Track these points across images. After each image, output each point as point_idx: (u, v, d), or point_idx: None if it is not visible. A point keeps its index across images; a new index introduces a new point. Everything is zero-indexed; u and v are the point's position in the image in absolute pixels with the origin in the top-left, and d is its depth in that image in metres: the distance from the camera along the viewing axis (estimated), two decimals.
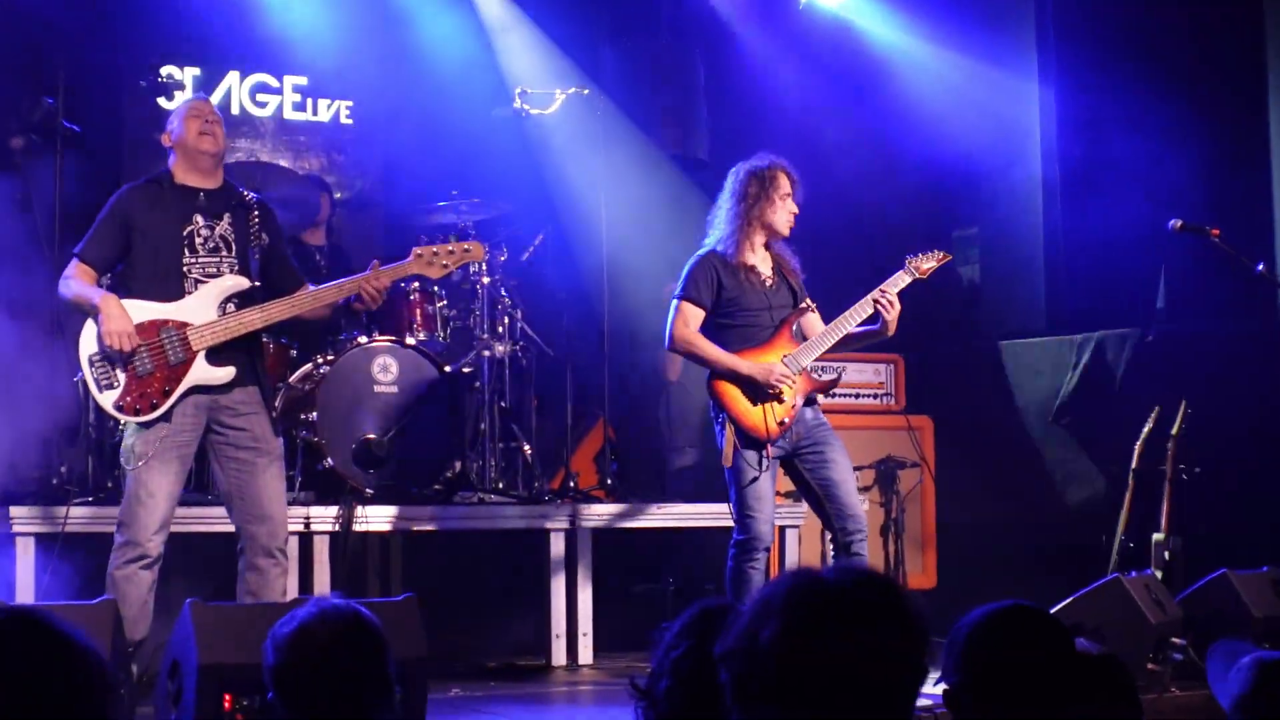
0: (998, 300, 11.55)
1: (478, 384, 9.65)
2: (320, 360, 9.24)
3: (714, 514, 9.17)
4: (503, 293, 9.89)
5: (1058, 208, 11.36)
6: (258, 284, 6.98)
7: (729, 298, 7.55)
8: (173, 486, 6.82)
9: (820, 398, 7.74)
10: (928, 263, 7.72)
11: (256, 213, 7.09)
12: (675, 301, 7.60)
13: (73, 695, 2.57)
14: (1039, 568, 9.86)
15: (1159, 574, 8.46)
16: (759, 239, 7.62)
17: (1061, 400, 10.53)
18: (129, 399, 6.77)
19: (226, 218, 7.02)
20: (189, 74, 11.04)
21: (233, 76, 11.29)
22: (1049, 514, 10.41)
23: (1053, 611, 7.03)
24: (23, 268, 8.51)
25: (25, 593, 7.76)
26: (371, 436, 9.04)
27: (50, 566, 7.72)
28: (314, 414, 8.99)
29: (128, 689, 6.11)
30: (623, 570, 9.79)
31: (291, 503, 8.56)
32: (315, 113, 11.57)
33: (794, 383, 7.46)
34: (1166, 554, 8.96)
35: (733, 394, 7.46)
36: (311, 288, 7.10)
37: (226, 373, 6.88)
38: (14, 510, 7.97)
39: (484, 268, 9.78)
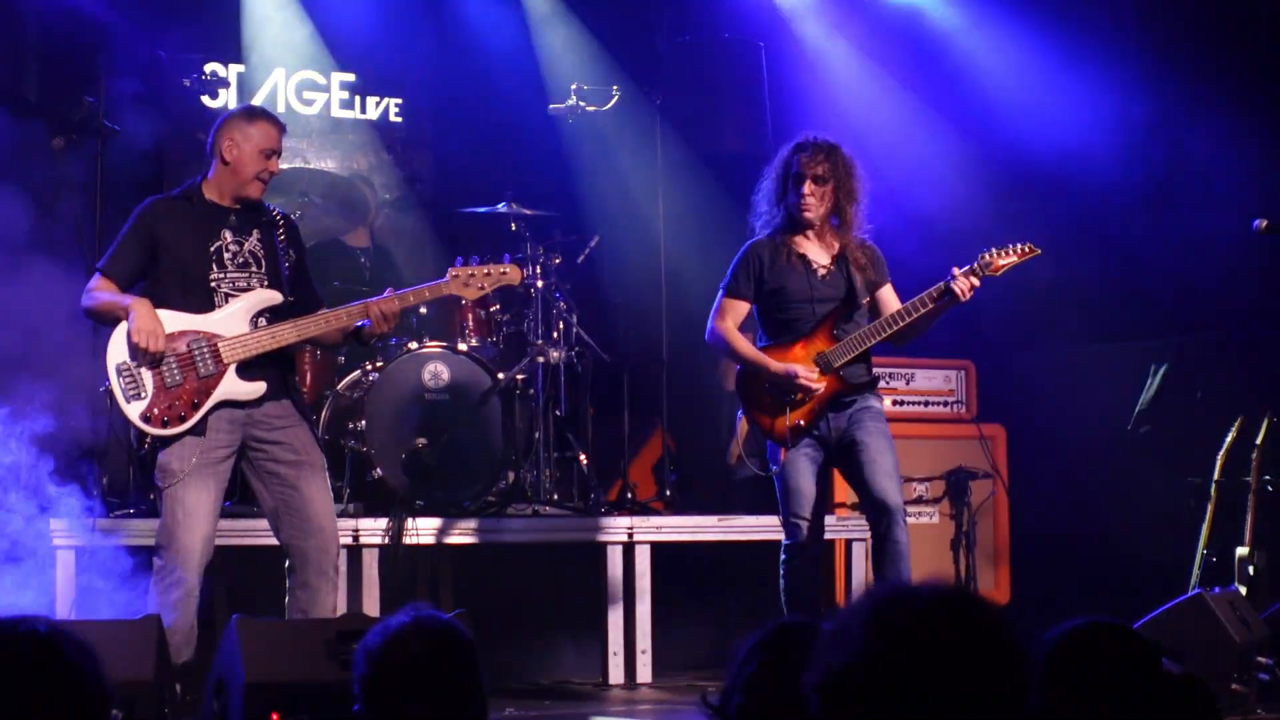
0: (1074, 304, 11.46)
1: (532, 391, 9.62)
2: (369, 367, 9.26)
3: (778, 526, 9.11)
4: (557, 297, 9.85)
5: (1137, 210, 11.29)
6: (291, 299, 6.99)
7: (771, 288, 7.47)
8: (212, 504, 6.78)
9: (886, 401, 7.65)
10: (1005, 258, 7.46)
11: (283, 229, 7.11)
12: (719, 295, 7.58)
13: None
14: (1116, 583, 9.79)
15: (1243, 590, 8.39)
16: (796, 226, 7.49)
17: (1140, 408, 10.45)
18: (156, 410, 6.76)
19: (255, 234, 7.01)
20: (234, 71, 11.06)
21: (278, 74, 11.29)
22: (1127, 527, 10.31)
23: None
24: (65, 269, 8.54)
25: (64, 607, 7.78)
26: (422, 446, 9.03)
27: (90, 580, 7.74)
28: (362, 423, 9.00)
29: (171, 709, 6.10)
30: (682, 585, 9.71)
31: (339, 515, 8.57)
32: (363, 110, 11.57)
33: (818, 385, 7.35)
34: (1251, 569, 8.86)
35: (753, 391, 7.45)
36: (326, 311, 7.10)
37: (257, 387, 6.87)
38: (53, 523, 7.98)
39: (538, 270, 9.77)
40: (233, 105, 10.85)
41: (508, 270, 7.31)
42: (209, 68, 10.42)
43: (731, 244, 9.18)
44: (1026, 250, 7.50)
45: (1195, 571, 9.01)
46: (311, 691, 5.76)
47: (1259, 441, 9.06)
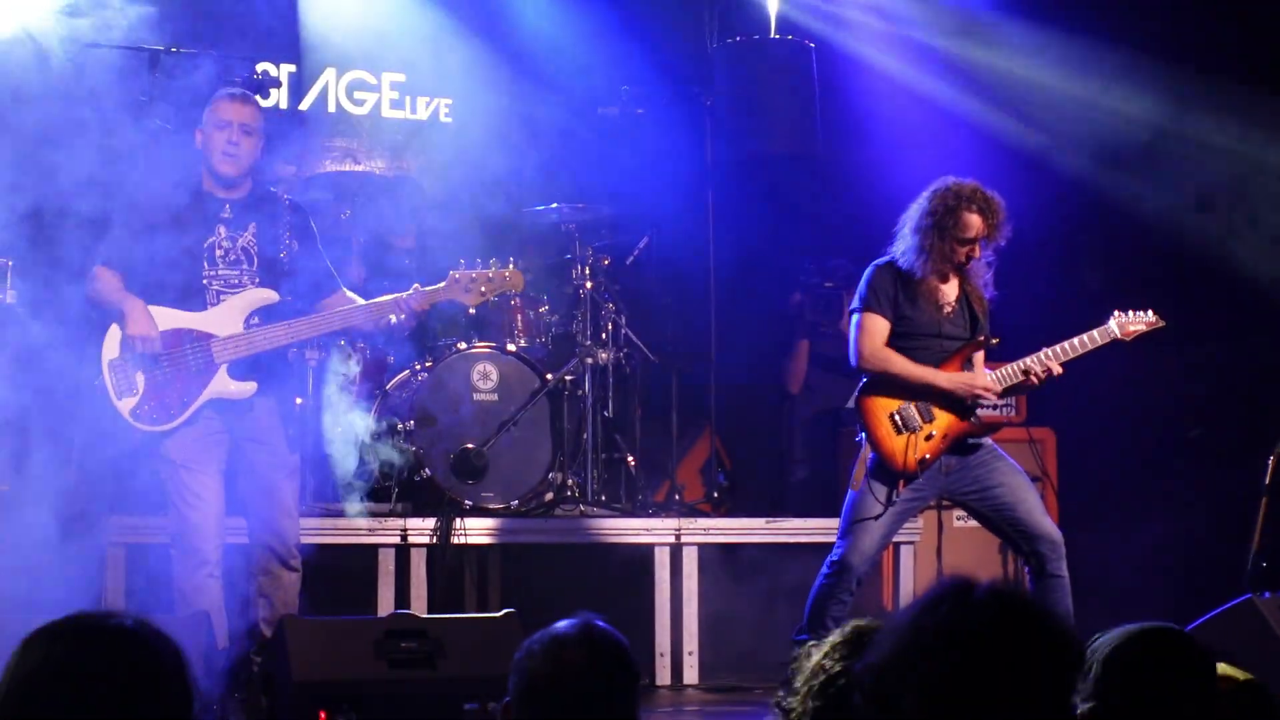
0: (1122, 304, 11.36)
1: (580, 392, 9.62)
2: (418, 367, 9.26)
3: (828, 529, 9.08)
4: (606, 298, 9.86)
5: (1188, 213, 11.19)
6: (288, 299, 7.06)
7: (902, 314, 7.38)
8: (217, 488, 6.95)
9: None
10: (1135, 324, 7.57)
11: (288, 219, 7.16)
12: (856, 315, 7.42)
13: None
14: (1167, 587, 9.73)
15: None
16: (940, 264, 7.38)
17: (1192, 409, 10.38)
18: (147, 407, 6.87)
19: (252, 227, 7.08)
20: (285, 71, 11.07)
21: (329, 73, 11.31)
22: (1177, 530, 10.25)
23: None
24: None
25: (115, 604, 7.79)
26: (471, 446, 9.07)
27: (142, 578, 7.76)
28: (411, 423, 9.00)
29: (218, 705, 6.12)
30: (730, 587, 9.66)
31: (389, 514, 8.64)
32: (413, 110, 11.57)
33: (996, 391, 7.33)
34: None
35: (879, 416, 7.32)
36: (348, 294, 7.14)
37: (248, 387, 6.98)
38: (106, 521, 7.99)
39: (587, 271, 9.77)
40: (284, 105, 10.89)
41: (509, 274, 7.30)
42: (260, 67, 10.40)
43: (782, 244, 9.12)
44: (1154, 320, 7.66)
45: (1248, 575, 8.92)
46: (358, 690, 5.77)
47: None
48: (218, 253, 7.00)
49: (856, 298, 7.46)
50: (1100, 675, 3.32)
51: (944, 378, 7.32)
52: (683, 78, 10.80)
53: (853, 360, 7.41)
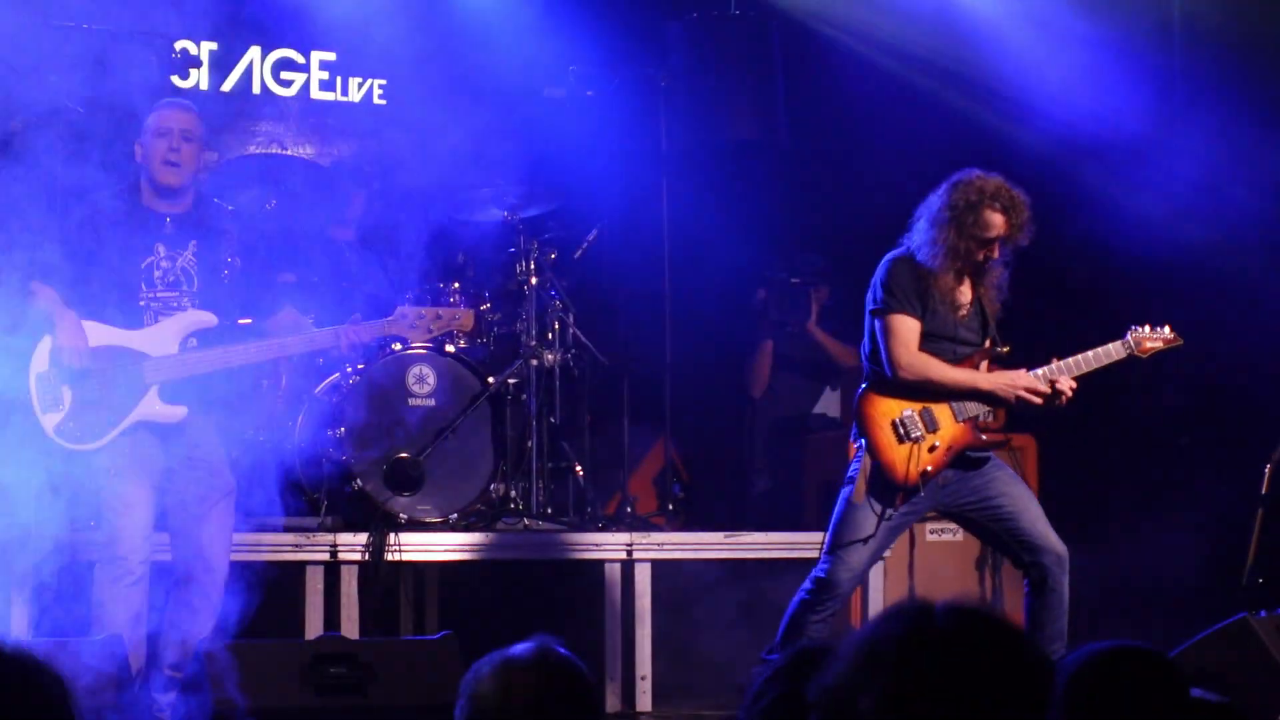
0: (1107, 307, 11.41)
1: (525, 397, 9.66)
2: (349, 369, 9.23)
3: (792, 544, 9.22)
4: (552, 295, 9.87)
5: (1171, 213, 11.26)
6: (226, 322, 7.21)
7: (923, 313, 7.39)
8: (148, 499, 7.08)
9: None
10: (1153, 341, 7.63)
11: (232, 234, 7.34)
12: (883, 317, 7.39)
13: None
14: (1156, 605, 9.84)
15: None
16: (956, 262, 7.40)
17: (1183, 416, 10.45)
18: (72, 424, 7.00)
19: (193, 245, 7.25)
20: (205, 49, 11.05)
21: (254, 52, 11.28)
22: (1168, 545, 10.27)
23: (1170, 656, 6.96)
24: None
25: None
26: (406, 455, 9.09)
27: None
28: (341, 430, 9.04)
29: None
30: (687, 607, 9.70)
31: (317, 529, 8.67)
32: (345, 92, 11.55)
33: (1043, 392, 7.37)
34: None
35: (880, 423, 7.33)
36: (292, 312, 7.30)
37: (178, 411, 7.13)
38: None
39: (532, 266, 9.78)
40: (204, 86, 10.89)
41: (460, 315, 7.50)
42: (179, 45, 10.44)
43: (743, 238, 9.18)
44: (1171, 338, 7.70)
45: (1242, 592, 9.01)
46: (285, 717, 5.83)
47: None
48: (155, 274, 7.16)
49: (874, 298, 7.43)
50: (1065, 697, 3.36)
51: (984, 379, 7.34)
52: (635, 57, 10.80)
53: (887, 370, 7.34)
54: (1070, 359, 7.50)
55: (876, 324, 7.41)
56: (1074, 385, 7.46)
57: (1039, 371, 7.43)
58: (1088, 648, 3.51)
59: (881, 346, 7.37)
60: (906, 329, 7.32)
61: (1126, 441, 10.83)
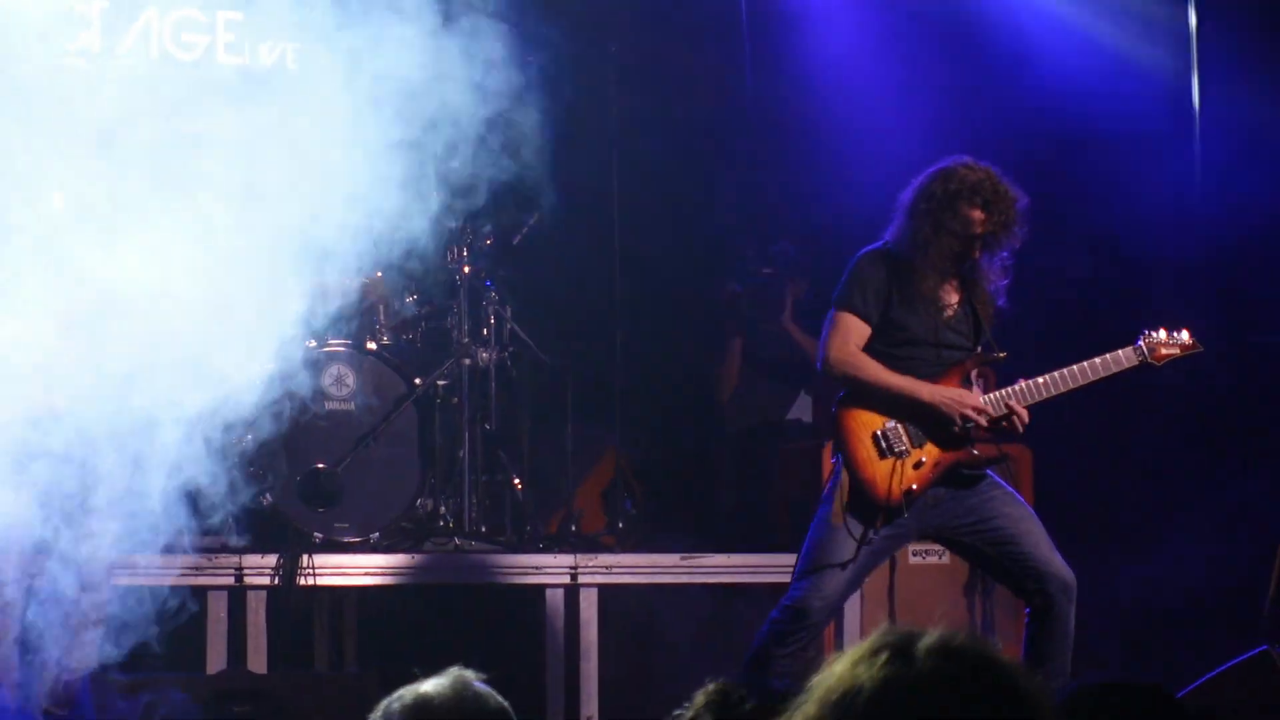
0: (1106, 314, 11.40)
1: (456, 400, 9.64)
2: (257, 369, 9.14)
3: (759, 568, 9.29)
4: (488, 286, 9.88)
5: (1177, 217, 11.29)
6: None
7: (893, 316, 7.37)
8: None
9: None
10: (1169, 348, 7.55)
11: None
12: (835, 310, 7.42)
13: None
14: (1166, 637, 9.97)
15: None
16: (939, 259, 7.38)
17: (1197, 426, 10.44)
18: None
19: None
20: (96, 6, 10.89)
21: (151, 11, 11.17)
22: (1178, 571, 10.33)
23: (1184, 692, 6.93)
24: None
25: None
26: (321, 466, 9.08)
27: None
28: (249, 437, 8.82)
29: None
30: (638, 637, 9.75)
31: (220, 549, 8.57)
32: (254, 57, 11.45)
33: (983, 421, 7.30)
34: None
35: (859, 435, 7.31)
36: None
37: None
38: None
39: (465, 253, 9.77)
40: (95, 49, 10.72)
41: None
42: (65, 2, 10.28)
43: (702, 222, 9.05)
44: (1190, 344, 7.62)
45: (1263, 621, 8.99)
46: None
47: None
48: None
49: (838, 289, 7.45)
50: None
51: (926, 390, 7.30)
52: (582, 20, 10.71)
53: (818, 362, 7.43)
54: (1072, 369, 7.48)
55: (828, 315, 7.46)
56: (1026, 417, 7.38)
57: (1002, 392, 7.41)
58: (1076, 682, 3.54)
59: (821, 337, 7.43)
60: (850, 326, 7.36)
61: (1130, 452, 10.85)
